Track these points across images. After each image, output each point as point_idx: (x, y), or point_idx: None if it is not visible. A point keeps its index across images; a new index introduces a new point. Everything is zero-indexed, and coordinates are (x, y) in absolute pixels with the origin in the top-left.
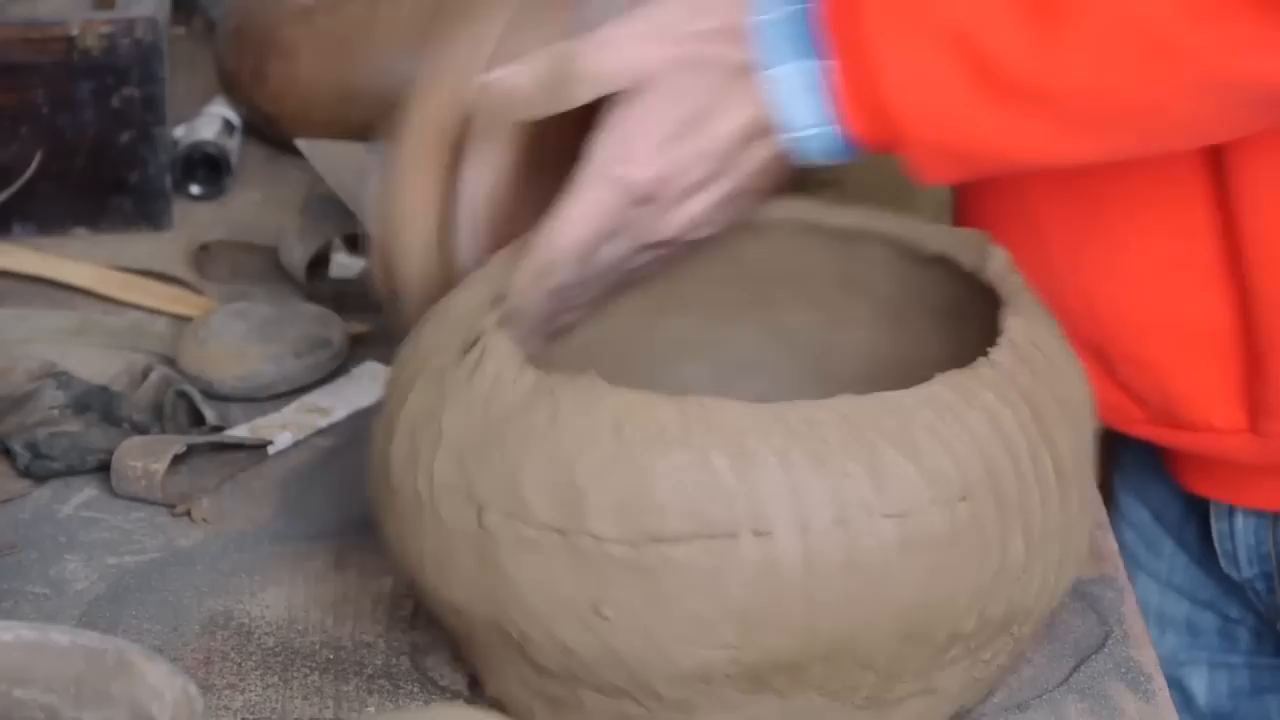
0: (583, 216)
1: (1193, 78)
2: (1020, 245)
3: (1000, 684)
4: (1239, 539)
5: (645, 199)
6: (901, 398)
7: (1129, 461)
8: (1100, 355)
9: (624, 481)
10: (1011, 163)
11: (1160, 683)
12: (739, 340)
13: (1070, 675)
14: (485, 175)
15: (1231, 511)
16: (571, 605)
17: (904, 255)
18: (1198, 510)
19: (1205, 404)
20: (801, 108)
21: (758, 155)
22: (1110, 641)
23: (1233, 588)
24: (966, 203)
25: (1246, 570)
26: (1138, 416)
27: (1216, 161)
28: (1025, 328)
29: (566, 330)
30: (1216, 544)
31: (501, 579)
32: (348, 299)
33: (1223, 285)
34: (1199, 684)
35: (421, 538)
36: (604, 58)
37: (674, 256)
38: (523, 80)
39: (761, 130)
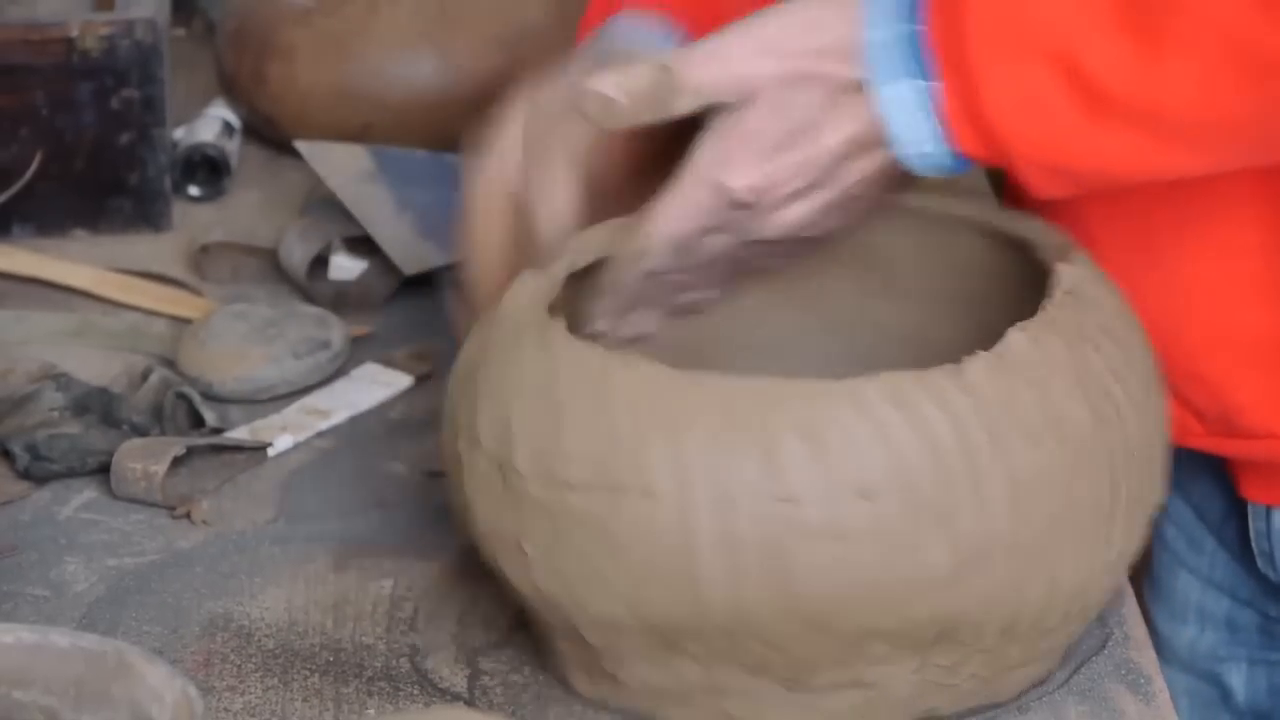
0: (680, 214)
1: None
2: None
3: (996, 694)
4: (1275, 539)
5: (742, 204)
6: (841, 387)
7: (1174, 459)
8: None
9: (544, 427)
10: (1118, 178)
11: (1160, 685)
12: (785, 321)
13: (1070, 677)
14: (559, 191)
15: (1269, 512)
16: (504, 538)
17: (989, 241)
18: (1239, 509)
19: (1264, 413)
20: (912, 125)
21: (861, 168)
22: (1110, 643)
23: (1271, 587)
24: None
25: None
26: (1197, 430)
27: (1264, 187)
28: (1043, 334)
29: (694, 310)
30: (1254, 544)
31: (467, 506)
32: (347, 300)
33: (1272, 303)
34: (1238, 680)
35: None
36: (710, 70)
37: (794, 253)
38: (625, 89)
39: (866, 145)
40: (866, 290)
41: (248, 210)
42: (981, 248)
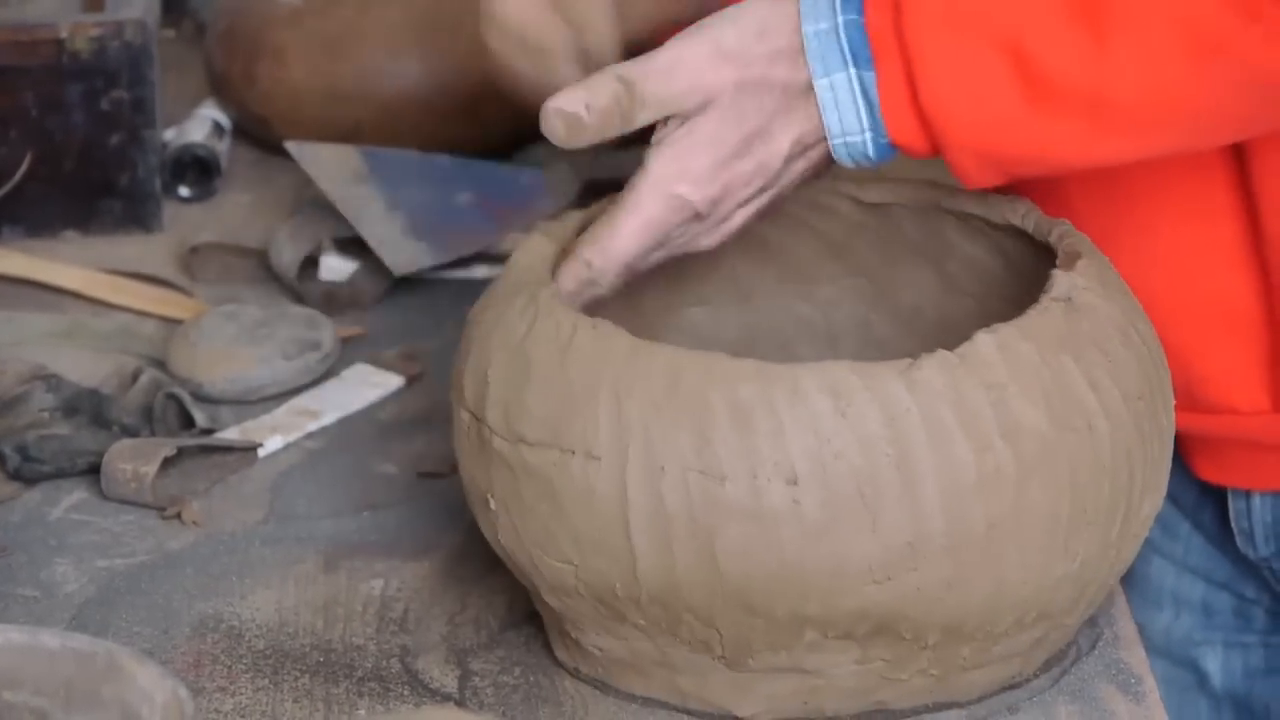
0: (635, 232)
1: (1243, 76)
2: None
3: (953, 692)
4: (1255, 518)
5: (698, 216)
6: (780, 371)
7: None
8: None
9: (513, 385)
10: (1054, 166)
11: (1151, 684)
12: (779, 311)
13: (1061, 677)
14: None
15: (1249, 490)
16: (477, 491)
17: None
18: (1214, 493)
19: (1229, 386)
20: (848, 115)
21: (801, 167)
22: (1100, 643)
23: (1249, 567)
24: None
25: (1263, 549)
26: None
27: (1237, 147)
28: (1013, 339)
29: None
30: (1233, 523)
31: (457, 456)
32: (338, 301)
33: (1246, 269)
34: (1214, 664)
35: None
36: (671, 82)
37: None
38: (588, 105)
39: (809, 144)
40: (931, 288)
41: (238, 211)
42: (1025, 253)
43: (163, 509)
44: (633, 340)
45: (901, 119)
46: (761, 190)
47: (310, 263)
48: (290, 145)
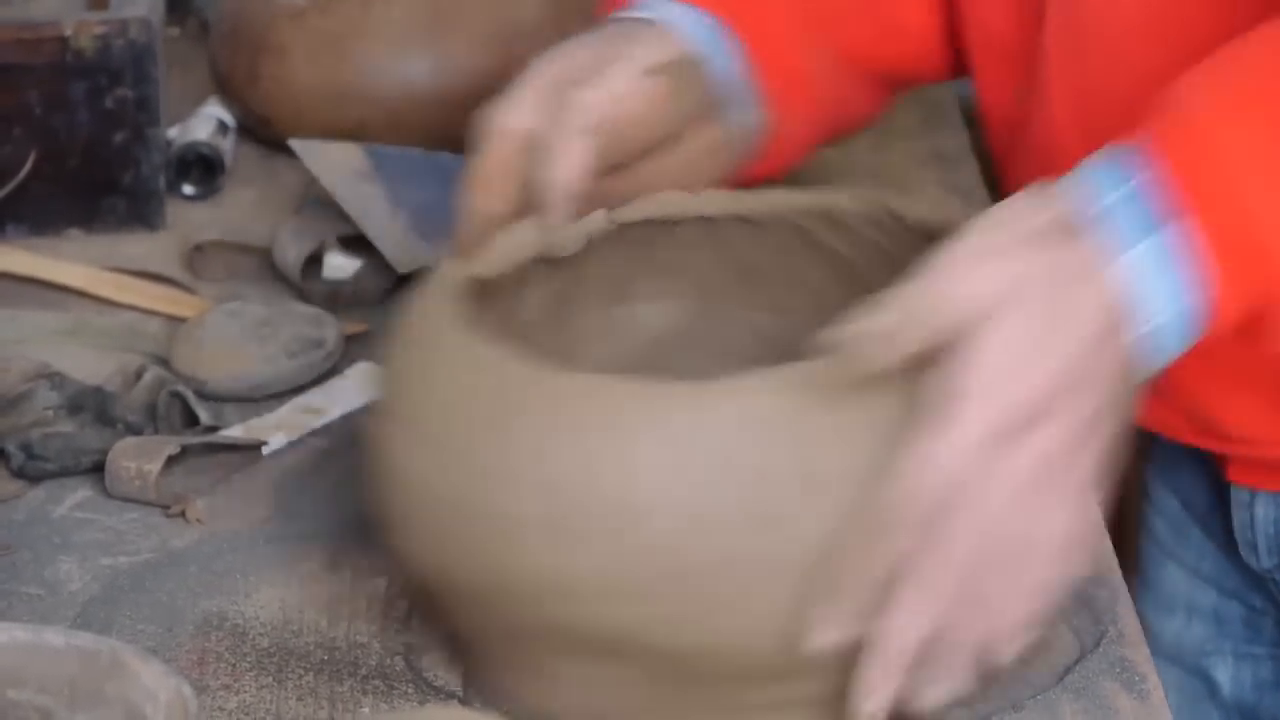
0: (939, 464)
1: None
2: None
3: None
4: (1259, 529)
5: (1007, 435)
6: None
7: (1160, 450)
8: None
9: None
10: None
11: (1155, 683)
12: (725, 331)
13: (1065, 675)
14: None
15: (1252, 501)
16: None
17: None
18: (1223, 501)
19: (1246, 425)
20: (1158, 286)
21: (1112, 358)
22: (1105, 641)
23: (1255, 578)
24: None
25: (1266, 561)
26: (1185, 429)
27: None
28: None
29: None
30: (1237, 534)
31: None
32: (341, 299)
33: None
34: (1224, 674)
35: None
36: (951, 299)
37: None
38: (883, 334)
39: (1114, 329)
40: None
41: (242, 209)
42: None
43: (167, 507)
44: (515, 362)
45: (1227, 263)
46: (1072, 389)
47: (314, 260)
48: (294, 143)
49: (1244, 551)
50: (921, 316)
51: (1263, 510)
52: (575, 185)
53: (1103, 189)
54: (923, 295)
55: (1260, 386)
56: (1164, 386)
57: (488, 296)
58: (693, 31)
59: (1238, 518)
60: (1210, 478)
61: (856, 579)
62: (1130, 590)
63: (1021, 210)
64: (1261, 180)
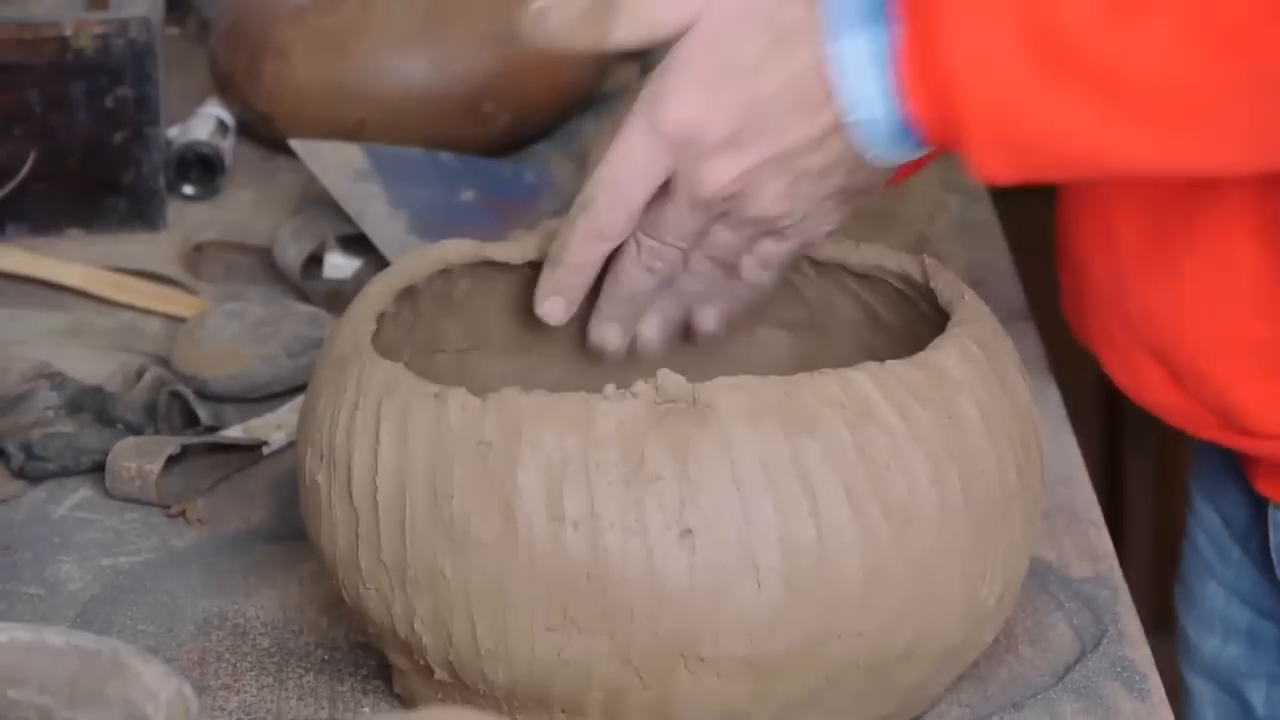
0: (619, 155)
1: (1256, 75)
2: (1093, 253)
3: None
4: None
5: (677, 143)
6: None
7: (1204, 465)
8: (1167, 363)
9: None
10: (1066, 156)
11: (1156, 682)
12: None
13: (1065, 674)
14: None
15: None
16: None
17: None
18: (1263, 519)
19: (1266, 416)
20: (865, 82)
21: (806, 125)
22: (1105, 640)
23: None
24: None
25: None
26: (1210, 423)
27: (1259, 195)
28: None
29: (712, 337)
30: (1274, 554)
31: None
32: (341, 299)
33: (1268, 311)
34: (1258, 697)
35: None
36: (652, 0)
37: (775, 254)
38: (566, 13)
39: (805, 96)
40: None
41: (242, 209)
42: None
43: (167, 507)
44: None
45: (917, 82)
46: (750, 132)
47: (314, 260)
48: (294, 143)
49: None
50: (630, 10)
51: None
52: None
53: None
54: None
55: (1274, 370)
56: (1187, 372)
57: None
58: None
59: (1274, 540)
60: (1250, 495)
61: (567, 249)
62: (1175, 604)
63: None
64: (960, 4)
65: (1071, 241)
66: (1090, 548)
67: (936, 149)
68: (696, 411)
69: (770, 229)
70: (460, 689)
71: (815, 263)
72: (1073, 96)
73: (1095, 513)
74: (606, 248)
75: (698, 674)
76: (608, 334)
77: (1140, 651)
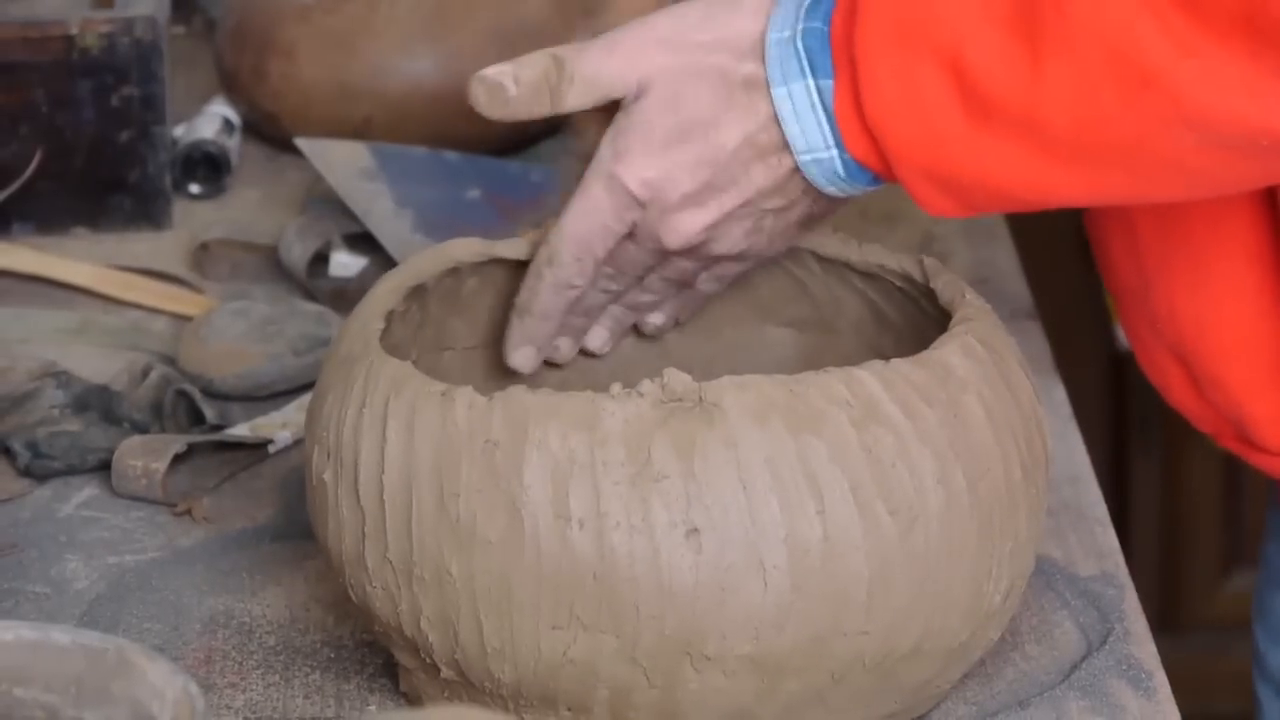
0: (581, 213)
1: (1172, 113)
2: (1118, 249)
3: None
4: None
5: (641, 201)
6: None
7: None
8: (1188, 366)
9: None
10: (1002, 195)
11: (1161, 679)
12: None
13: (1071, 672)
14: None
15: None
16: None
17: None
18: None
19: (1277, 430)
20: (808, 128)
21: (764, 174)
22: (1111, 639)
23: None
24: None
25: None
26: (1229, 433)
27: (1262, 212)
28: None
29: (656, 327)
30: None
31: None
32: (347, 298)
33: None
34: None
35: None
36: (604, 62)
37: (722, 274)
38: (516, 78)
39: (764, 149)
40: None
41: (248, 207)
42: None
43: (173, 505)
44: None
45: (855, 132)
46: (714, 188)
47: (320, 259)
48: (300, 141)
49: None
50: (583, 74)
51: None
52: None
53: (782, 23)
54: (591, 56)
55: None
56: (1205, 377)
57: (428, 305)
58: None
59: None
60: None
61: (536, 299)
62: (1248, 614)
63: (709, 15)
64: (883, 57)
65: (1101, 239)
66: (1096, 546)
67: (891, 182)
68: (703, 410)
69: (733, 259)
70: (466, 687)
71: (821, 260)
72: (1000, 140)
73: (1101, 511)
74: (574, 295)
75: (704, 672)
76: (563, 344)
77: (1146, 649)
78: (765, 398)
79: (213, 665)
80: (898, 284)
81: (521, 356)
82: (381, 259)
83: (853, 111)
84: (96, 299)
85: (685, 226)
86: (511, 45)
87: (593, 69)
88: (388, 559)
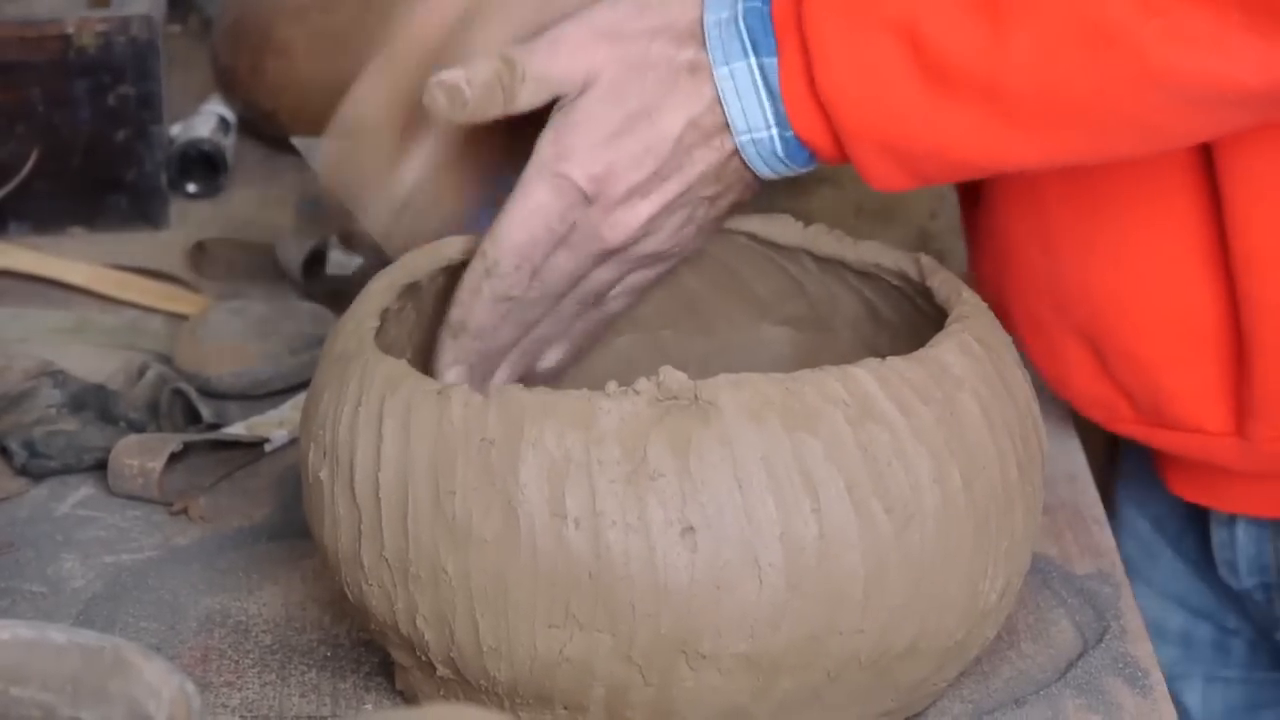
0: (524, 218)
1: (1138, 71)
2: (1026, 229)
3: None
4: (1239, 548)
5: (587, 198)
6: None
7: (1130, 470)
8: (1095, 347)
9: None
10: (957, 164)
11: (1158, 678)
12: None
13: (1067, 670)
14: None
15: (1232, 520)
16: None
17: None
18: (1198, 520)
19: (1194, 403)
20: (749, 108)
21: (706, 158)
22: (1108, 637)
23: (1230, 598)
24: (972, 186)
25: (1246, 580)
26: (1127, 415)
27: (1207, 159)
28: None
29: (551, 375)
30: (1216, 553)
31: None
32: (344, 296)
33: (1214, 283)
34: (1194, 698)
35: None
36: (552, 59)
37: (639, 281)
38: (468, 81)
39: (707, 131)
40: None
41: (244, 207)
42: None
43: (169, 504)
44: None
45: (803, 109)
46: (659, 177)
47: (316, 258)
48: (296, 140)
49: (1223, 571)
50: (533, 73)
51: (1243, 528)
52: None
53: (721, 4)
54: (529, 59)
55: (1209, 353)
56: (1117, 355)
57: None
58: None
59: (1216, 537)
60: (1170, 492)
61: (473, 315)
62: None
63: (646, 3)
64: (834, 32)
65: (997, 226)
66: (1093, 544)
67: (830, 161)
68: (698, 408)
69: (654, 260)
70: (462, 685)
71: (817, 259)
72: (960, 108)
73: (1098, 509)
74: (511, 308)
75: (699, 671)
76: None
77: (1142, 648)
78: (761, 396)
79: (209, 664)
80: (894, 282)
81: (455, 376)
82: (378, 258)
83: (803, 89)
84: (93, 298)
85: (629, 219)
86: None
87: (542, 67)
88: (384, 557)
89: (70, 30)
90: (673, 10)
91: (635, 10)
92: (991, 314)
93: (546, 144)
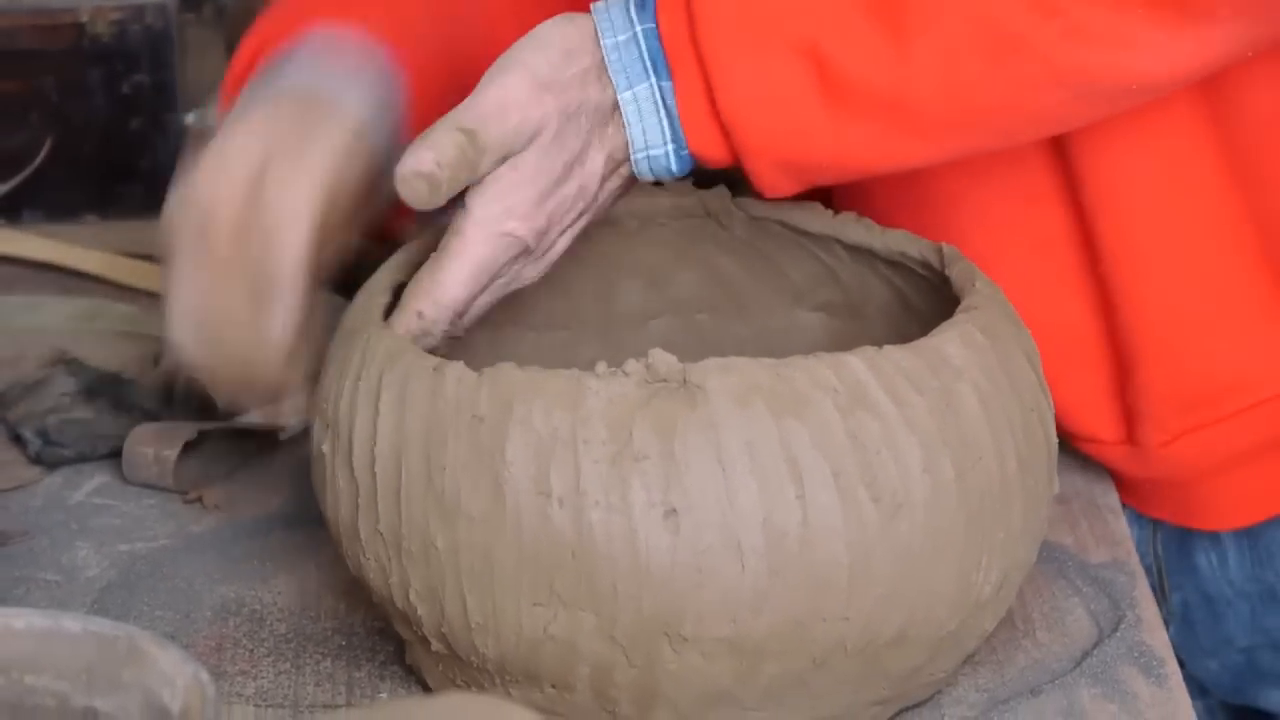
0: (465, 278)
1: (1042, 73)
2: (918, 230)
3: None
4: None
5: (528, 251)
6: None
7: None
8: None
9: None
10: (852, 172)
11: (1173, 666)
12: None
13: (1083, 660)
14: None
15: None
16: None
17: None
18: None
19: (1084, 415)
20: (651, 127)
21: (612, 186)
22: (1123, 626)
23: None
24: (851, 190)
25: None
26: None
27: (1069, 174)
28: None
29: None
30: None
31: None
32: (358, 283)
33: (1086, 295)
34: None
35: None
36: (504, 124)
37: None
38: (438, 164)
39: (618, 162)
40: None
41: None
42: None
43: (184, 493)
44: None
45: (701, 129)
46: (581, 214)
47: None
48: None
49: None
50: (494, 141)
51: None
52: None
53: (613, 28)
54: (492, 120)
55: (1089, 363)
56: None
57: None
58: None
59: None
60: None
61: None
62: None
63: (568, 46)
64: (731, 55)
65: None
66: (1108, 533)
67: (717, 167)
68: (686, 392)
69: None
70: (456, 661)
71: (847, 247)
72: (863, 123)
73: (1112, 498)
74: (430, 344)
75: (682, 653)
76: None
77: (1158, 637)
78: (749, 380)
79: (224, 653)
80: (920, 271)
81: None
82: (392, 245)
83: (703, 110)
84: (107, 286)
85: (553, 255)
86: None
87: (499, 134)
88: (379, 531)
89: (84, 18)
90: (588, 50)
91: (562, 57)
92: (1006, 305)
93: (484, 201)
